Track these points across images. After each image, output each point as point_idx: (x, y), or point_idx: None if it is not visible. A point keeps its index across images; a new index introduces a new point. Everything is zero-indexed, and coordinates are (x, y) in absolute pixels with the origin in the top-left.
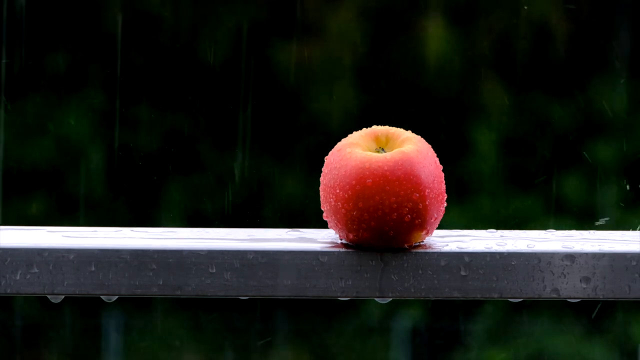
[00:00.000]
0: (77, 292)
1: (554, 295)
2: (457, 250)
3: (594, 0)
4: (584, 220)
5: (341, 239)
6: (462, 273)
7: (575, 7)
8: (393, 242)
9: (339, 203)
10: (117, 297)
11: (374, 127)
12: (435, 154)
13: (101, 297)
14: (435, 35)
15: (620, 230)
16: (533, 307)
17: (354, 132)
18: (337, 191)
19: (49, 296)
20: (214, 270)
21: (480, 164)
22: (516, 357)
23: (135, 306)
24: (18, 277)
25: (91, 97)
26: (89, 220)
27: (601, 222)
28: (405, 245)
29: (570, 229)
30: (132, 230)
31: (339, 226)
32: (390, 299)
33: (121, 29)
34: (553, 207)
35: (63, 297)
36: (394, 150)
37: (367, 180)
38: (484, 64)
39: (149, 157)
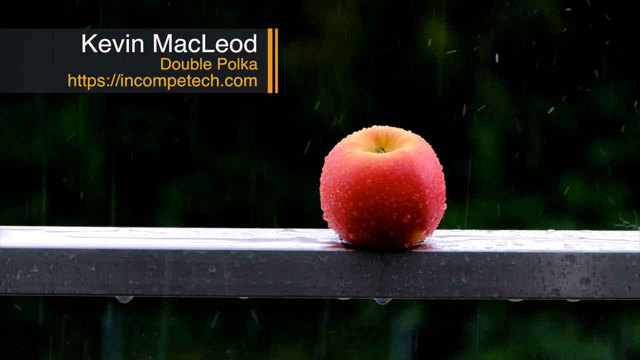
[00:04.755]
0: (77, 292)
1: (554, 295)
2: (457, 250)
3: (594, 1)
4: (584, 220)
5: (341, 239)
6: (462, 273)
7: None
8: (393, 242)
9: (339, 203)
10: (132, 297)
11: (374, 127)
12: (435, 154)
13: (116, 297)
14: (436, 36)
15: (620, 230)
16: (533, 307)
17: (354, 132)
18: (337, 191)
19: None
20: (214, 270)
21: (480, 164)
22: (516, 358)
23: (135, 306)
24: (18, 277)
25: (91, 97)
26: (88, 221)
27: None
28: (405, 245)
29: (570, 229)
30: (131, 230)
31: (339, 226)
32: (390, 299)
33: (120, 27)
34: (553, 208)
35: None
36: (394, 150)
37: (367, 180)
38: (485, 64)
39: (148, 157)
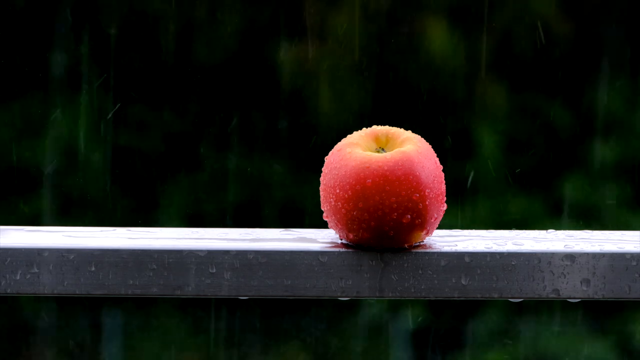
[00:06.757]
0: (77, 292)
1: (554, 296)
2: (457, 250)
3: (594, 1)
4: (584, 220)
5: (341, 239)
6: (462, 273)
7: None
8: (393, 242)
9: (339, 203)
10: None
11: (374, 127)
12: (435, 154)
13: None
14: (437, 36)
15: (620, 230)
16: (533, 307)
17: (354, 132)
18: (337, 191)
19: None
20: (214, 270)
21: (480, 164)
22: (516, 358)
23: (135, 306)
24: (18, 277)
25: (91, 97)
26: (88, 221)
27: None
28: (405, 245)
29: (570, 229)
30: (131, 230)
31: (339, 226)
32: (390, 299)
33: (121, 29)
34: (553, 208)
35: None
36: (394, 150)
37: (367, 180)
38: (486, 64)
39: (148, 157)
